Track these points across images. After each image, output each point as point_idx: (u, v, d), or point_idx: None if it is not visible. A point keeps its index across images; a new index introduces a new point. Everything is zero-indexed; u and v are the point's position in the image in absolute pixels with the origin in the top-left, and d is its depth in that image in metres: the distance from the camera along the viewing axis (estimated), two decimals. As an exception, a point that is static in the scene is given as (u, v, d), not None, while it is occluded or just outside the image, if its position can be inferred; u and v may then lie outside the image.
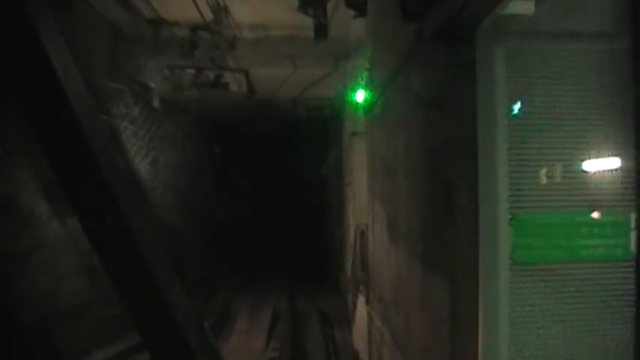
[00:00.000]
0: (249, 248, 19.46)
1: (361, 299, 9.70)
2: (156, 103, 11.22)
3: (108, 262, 1.28)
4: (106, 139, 1.28)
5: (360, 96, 8.33)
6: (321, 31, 8.39)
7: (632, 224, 3.08)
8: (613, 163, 3.17)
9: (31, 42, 1.13)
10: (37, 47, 1.13)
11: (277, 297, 15.13)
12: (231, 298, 15.17)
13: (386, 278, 6.76)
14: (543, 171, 3.21)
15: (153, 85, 11.32)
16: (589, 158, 3.23)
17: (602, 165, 3.21)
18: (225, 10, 11.01)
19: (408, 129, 4.83)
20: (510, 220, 3.19)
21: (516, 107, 3.18)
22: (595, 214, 3.20)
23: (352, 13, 7.82)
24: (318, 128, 17.28)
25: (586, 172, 3.23)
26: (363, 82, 8.38)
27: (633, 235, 3.07)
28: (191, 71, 11.55)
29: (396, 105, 5.65)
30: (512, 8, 2.98)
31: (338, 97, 13.72)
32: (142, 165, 11.12)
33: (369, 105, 7.96)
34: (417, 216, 4.63)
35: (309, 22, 10.76)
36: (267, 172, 20.35)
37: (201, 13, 10.52)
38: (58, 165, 1.21)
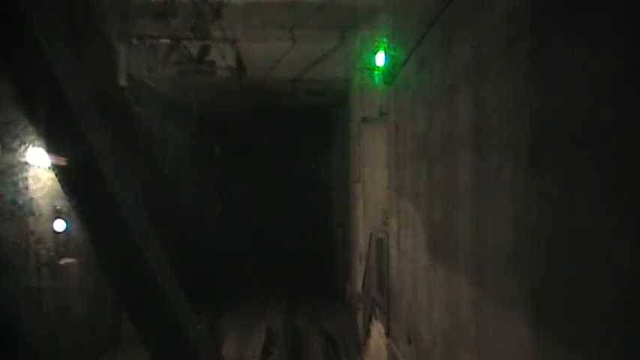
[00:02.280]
0: (243, 253, 17.42)
1: (377, 326, 7.61)
2: (122, 81, 9.11)
3: (108, 264, 1.25)
4: (107, 142, 1.25)
5: (381, 59, 6.20)
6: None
7: None
8: None
9: (31, 43, 1.15)
10: (37, 48, 1.15)
11: (274, 311, 13.10)
12: (221, 310, 13.12)
13: (423, 313, 4.67)
14: None
15: (119, 59, 9.23)
16: None
17: None
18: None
19: (501, 68, 2.70)
20: None
21: None
22: None
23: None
24: (322, 116, 15.21)
25: None
26: (384, 43, 6.30)
27: None
28: (166, 41, 9.44)
29: (451, 48, 3.56)
30: None
31: (345, 77, 11.62)
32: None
33: (393, 71, 5.87)
34: (518, 225, 2.54)
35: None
36: (263, 169, 18.23)
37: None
38: (60, 169, 1.20)
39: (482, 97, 2.98)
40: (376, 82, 7.76)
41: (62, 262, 8.72)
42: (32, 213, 8.20)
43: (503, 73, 2.67)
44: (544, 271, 2.38)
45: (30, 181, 7.98)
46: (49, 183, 8.01)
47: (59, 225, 8.46)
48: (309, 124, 15.88)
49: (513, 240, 2.61)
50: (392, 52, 5.74)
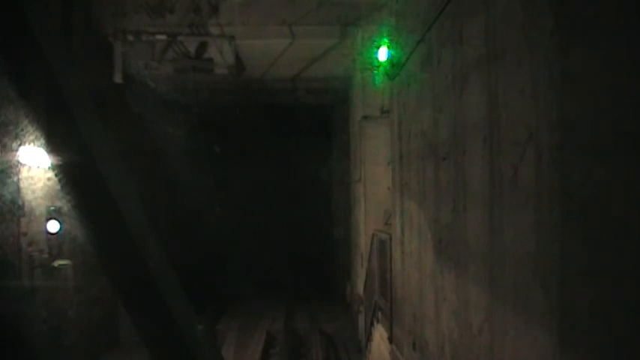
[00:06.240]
0: (243, 254, 17.18)
1: (379, 330, 7.38)
2: (118, 79, 8.87)
3: (108, 264, 1.27)
4: (107, 142, 1.27)
5: (383, 54, 5.97)
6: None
7: None
8: None
9: (31, 43, 1.16)
10: (37, 48, 1.15)
11: (273, 312, 12.86)
12: (220, 311, 12.90)
13: (430, 319, 4.45)
14: None
15: (115, 56, 8.99)
16: None
17: None
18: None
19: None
20: None
21: None
22: None
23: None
24: (322, 114, 14.97)
25: None
26: (386, 37, 6.07)
27: None
28: (162, 37, 9.21)
29: (462, 37, 3.33)
30: None
31: (345, 75, 11.38)
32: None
33: (397, 66, 5.64)
34: (540, 226, 2.31)
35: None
36: (262, 168, 17.97)
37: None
38: (60, 169, 1.22)
39: (498, 88, 2.75)
40: (378, 79, 7.54)
41: (56, 264, 8.49)
42: (24, 214, 7.97)
43: (522, 60, 2.44)
44: (570, 276, 2.15)
45: (22, 181, 7.74)
46: (42, 183, 7.78)
47: (53, 226, 8.22)
48: (309, 123, 15.62)
49: (534, 243, 2.39)
50: (395, 46, 5.51)
